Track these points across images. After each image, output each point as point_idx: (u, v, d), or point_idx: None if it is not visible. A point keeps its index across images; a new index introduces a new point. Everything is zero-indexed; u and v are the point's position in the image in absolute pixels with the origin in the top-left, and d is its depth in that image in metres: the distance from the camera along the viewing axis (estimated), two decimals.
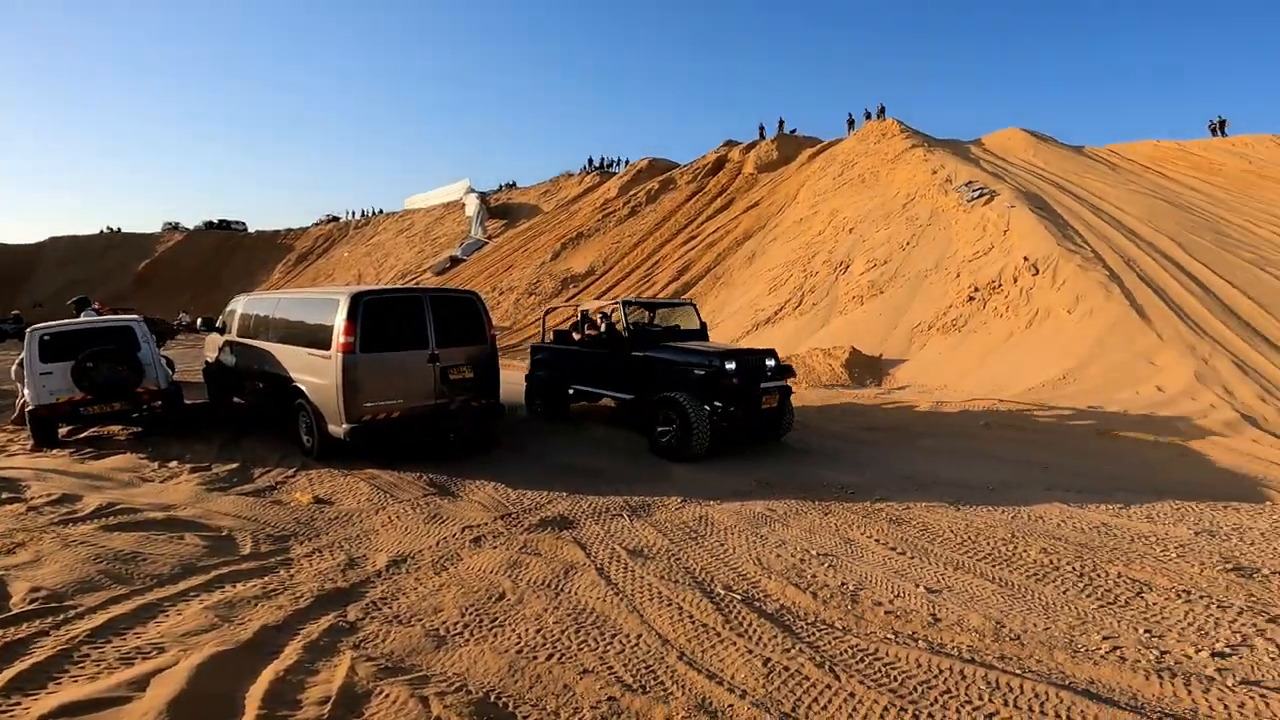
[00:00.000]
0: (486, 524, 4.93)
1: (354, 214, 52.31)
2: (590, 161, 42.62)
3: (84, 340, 7.58)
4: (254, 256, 48.17)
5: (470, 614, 3.51)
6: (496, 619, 3.47)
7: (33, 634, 3.22)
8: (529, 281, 25.02)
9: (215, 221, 53.99)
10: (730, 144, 34.61)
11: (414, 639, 3.23)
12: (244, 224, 54.69)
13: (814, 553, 4.39)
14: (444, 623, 3.41)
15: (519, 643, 3.23)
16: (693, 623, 3.41)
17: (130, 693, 2.70)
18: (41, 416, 7.36)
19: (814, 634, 3.32)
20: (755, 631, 3.33)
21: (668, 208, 29.52)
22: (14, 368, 9.20)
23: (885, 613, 3.53)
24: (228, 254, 49.04)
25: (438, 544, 4.53)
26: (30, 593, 3.65)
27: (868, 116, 29.94)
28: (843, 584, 3.91)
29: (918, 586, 3.86)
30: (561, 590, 3.82)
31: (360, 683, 2.82)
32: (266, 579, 3.91)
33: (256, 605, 3.55)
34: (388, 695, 2.75)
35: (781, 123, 34.20)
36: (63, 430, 7.82)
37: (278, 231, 52.42)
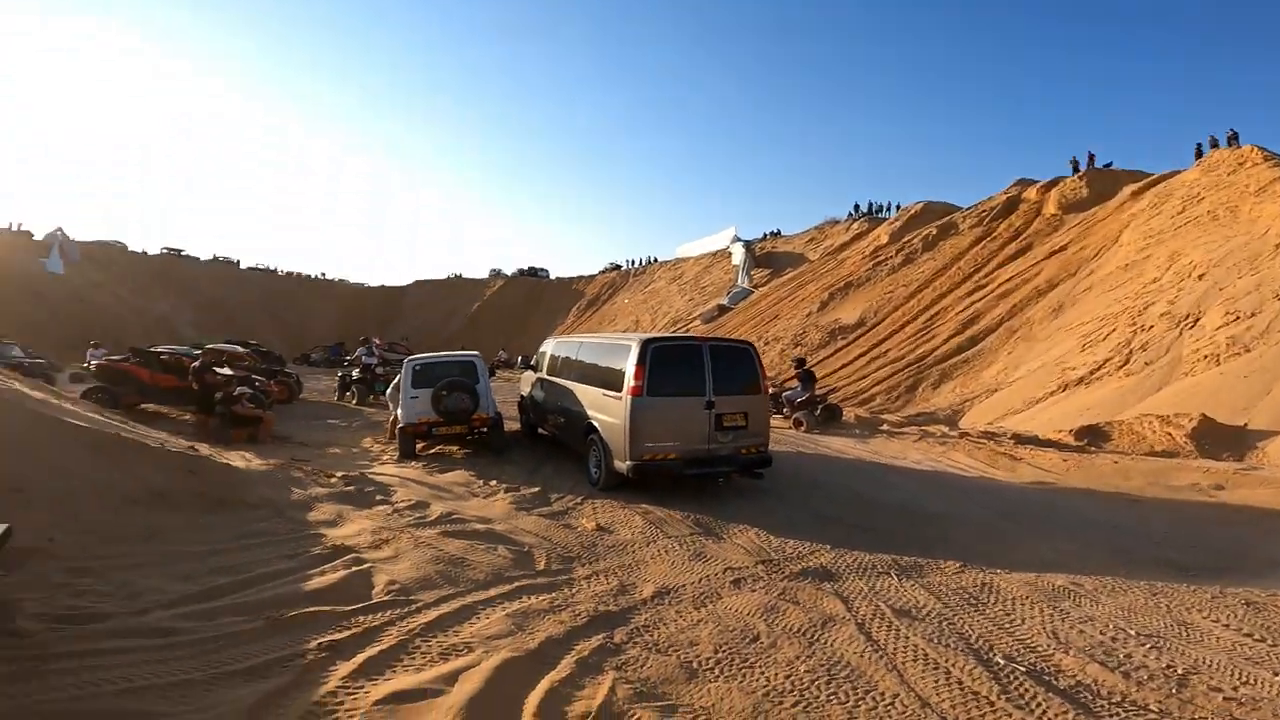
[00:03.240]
0: (747, 567, 4.97)
1: (633, 262, 56.90)
2: (856, 207, 41.14)
3: (444, 370, 9.41)
4: (554, 301, 55.12)
5: (723, 651, 3.57)
6: (748, 659, 3.49)
7: (383, 623, 3.71)
8: (795, 332, 24.72)
9: (526, 269, 63.32)
10: (1025, 182, 30.73)
11: (669, 668, 3.36)
12: (547, 271, 63.09)
13: (1132, 632, 3.75)
14: (698, 656, 3.51)
15: (767, 685, 3.22)
16: (961, 689, 3.18)
17: (443, 686, 3.03)
18: (407, 434, 9.18)
19: (1120, 714, 2.81)
20: (1040, 706, 2.93)
21: (948, 254, 27.06)
22: (389, 390, 11.78)
23: (1224, 699, 2.96)
24: (535, 299, 56.83)
25: (700, 581, 4.66)
26: (388, 585, 4.26)
27: (1214, 145, 24.31)
28: (1168, 666, 3.31)
29: (1276, 675, 3.15)
30: (816, 640, 3.74)
31: (617, 703, 3.00)
32: (553, 595, 4.30)
33: (544, 618, 3.91)
34: (638, 719, 2.89)
35: (1092, 157, 29.45)
36: (419, 446, 9.51)
37: (572, 278, 59.48)
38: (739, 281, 39.93)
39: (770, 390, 7.44)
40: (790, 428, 12.38)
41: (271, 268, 60.29)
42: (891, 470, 8.95)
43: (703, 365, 6.92)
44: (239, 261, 58.08)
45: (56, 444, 5.71)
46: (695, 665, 3.43)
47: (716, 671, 3.37)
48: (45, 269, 39.79)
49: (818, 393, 13.24)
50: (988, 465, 9.56)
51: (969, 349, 18.94)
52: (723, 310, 35.66)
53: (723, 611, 4.14)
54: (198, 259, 54.79)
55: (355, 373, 18.40)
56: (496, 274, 64.19)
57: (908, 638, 3.79)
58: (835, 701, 3.10)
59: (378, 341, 24.84)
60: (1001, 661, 3.47)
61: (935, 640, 3.76)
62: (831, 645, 3.70)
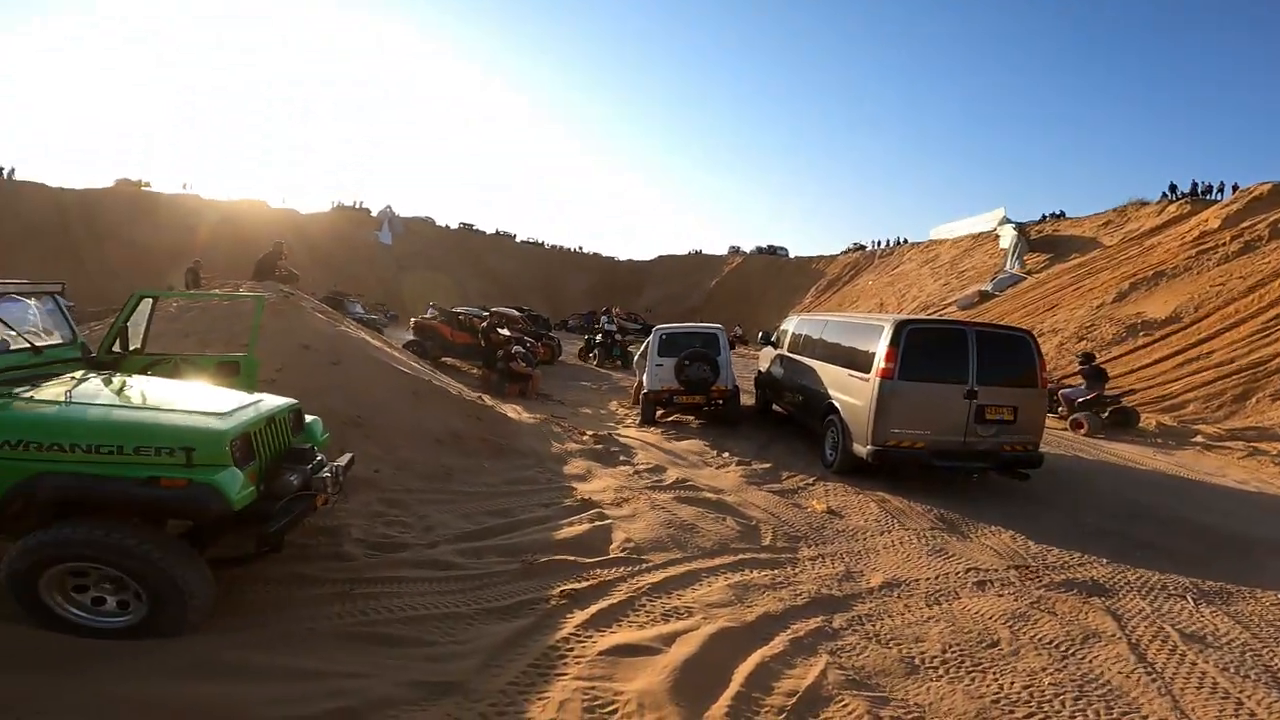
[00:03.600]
0: (996, 570, 4.57)
1: (879, 243, 53.36)
2: (1173, 188, 33.56)
3: (688, 341, 9.85)
4: (792, 280, 54.11)
5: (953, 652, 3.35)
6: (980, 664, 3.26)
7: (616, 579, 3.95)
8: (1080, 324, 21.18)
9: (764, 247, 62.87)
10: None
11: (887, 661, 3.23)
12: (786, 249, 61.89)
13: None
14: (922, 653, 3.33)
15: (998, 693, 2.99)
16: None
17: (661, 645, 3.17)
18: (650, 399, 9.79)
19: None
20: None
21: None
22: (636, 358, 12.66)
23: None
24: (772, 276, 56.31)
25: (936, 578, 4.39)
26: (624, 542, 4.53)
27: None
28: None
29: None
30: (1071, 655, 3.39)
31: (826, 687, 2.94)
32: (775, 572, 4.32)
33: (763, 593, 3.94)
34: (846, 706, 2.82)
35: None
36: (658, 413, 10.04)
37: (812, 258, 57.67)
38: (1007, 266, 35.42)
39: (1046, 386, 6.58)
40: (1066, 429, 10.83)
41: (540, 241, 67.76)
42: (1201, 487, 7.47)
43: (966, 352, 6.37)
44: (515, 235, 66.41)
45: (387, 386, 7.02)
46: (917, 661, 3.27)
47: (941, 671, 3.19)
48: (378, 240, 49.39)
49: (1107, 393, 11.38)
50: None
51: None
52: (985, 297, 31.97)
53: (959, 612, 3.87)
54: (484, 232, 63.57)
55: (599, 337, 20.81)
56: (735, 251, 64.54)
57: (1194, 664, 3.39)
58: (1080, 718, 2.84)
59: (617, 311, 27.49)
60: None
61: (1232, 670, 3.38)
62: (1090, 662, 3.35)
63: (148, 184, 43.06)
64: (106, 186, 40.58)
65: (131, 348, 4.45)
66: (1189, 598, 4.33)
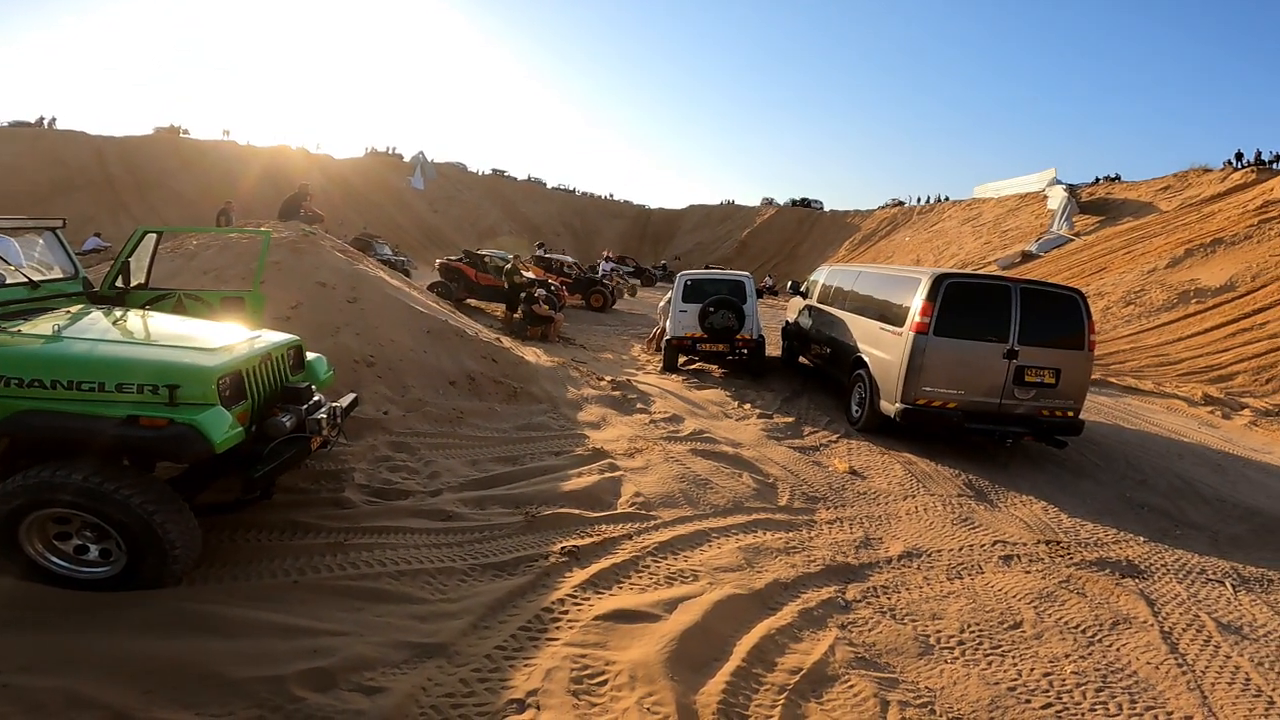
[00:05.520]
0: (1025, 544, 4.34)
1: (918, 199, 51.81)
2: (1239, 155, 31.57)
3: (714, 288, 9.55)
4: (825, 234, 52.95)
5: (971, 632, 3.17)
6: (1000, 646, 3.07)
7: (621, 535, 3.79)
8: (1129, 289, 20.23)
9: (799, 200, 61.25)
10: None
11: (900, 638, 3.06)
12: (821, 203, 60.21)
13: None
14: (938, 632, 3.15)
15: (1016, 679, 2.82)
16: None
17: (661, 612, 3.02)
18: (673, 346, 9.59)
19: None
20: None
21: None
22: (661, 304, 12.38)
23: None
24: (806, 229, 55.20)
25: (960, 549, 4.18)
26: (634, 496, 4.37)
27: None
28: None
29: None
30: (1098, 641, 3.20)
31: (833, 665, 2.79)
32: (790, 535, 4.14)
33: (775, 558, 3.77)
34: (852, 686, 2.66)
35: None
36: (681, 360, 9.91)
37: (847, 212, 56.19)
38: (1054, 228, 33.93)
39: (1094, 348, 6.18)
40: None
41: (571, 188, 66.85)
42: (1248, 465, 7.04)
43: (1009, 309, 5.99)
44: (545, 182, 65.57)
45: (402, 325, 6.89)
46: (932, 640, 3.08)
47: (956, 653, 3.00)
48: (411, 185, 49.23)
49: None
50: None
51: None
52: (1027, 257, 30.78)
53: (981, 588, 3.67)
54: (515, 178, 62.88)
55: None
56: (768, 202, 63.27)
57: (1229, 657, 3.24)
58: (1100, 712, 2.68)
59: (608, 254, 29.17)
60: None
61: (1267, 665, 3.18)
62: (1117, 650, 3.15)
63: (186, 131, 43.19)
64: (146, 134, 40.71)
65: (134, 283, 4.34)
66: (1228, 584, 4.08)
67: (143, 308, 4.09)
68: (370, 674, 2.37)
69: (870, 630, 3.14)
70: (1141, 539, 4.66)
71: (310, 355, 3.87)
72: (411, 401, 5.72)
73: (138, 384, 2.69)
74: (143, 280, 4.44)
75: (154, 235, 4.60)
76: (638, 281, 29.67)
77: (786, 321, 10.84)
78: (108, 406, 2.66)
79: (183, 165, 37.79)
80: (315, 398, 3.51)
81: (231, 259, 7.57)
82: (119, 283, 4.23)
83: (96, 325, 3.35)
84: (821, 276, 9.47)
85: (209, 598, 2.74)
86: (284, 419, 3.13)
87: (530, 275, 15.22)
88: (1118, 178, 38.33)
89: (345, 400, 3.82)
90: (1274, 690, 2.96)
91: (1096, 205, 34.47)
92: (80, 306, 3.65)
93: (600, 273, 22.49)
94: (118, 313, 3.70)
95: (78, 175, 34.22)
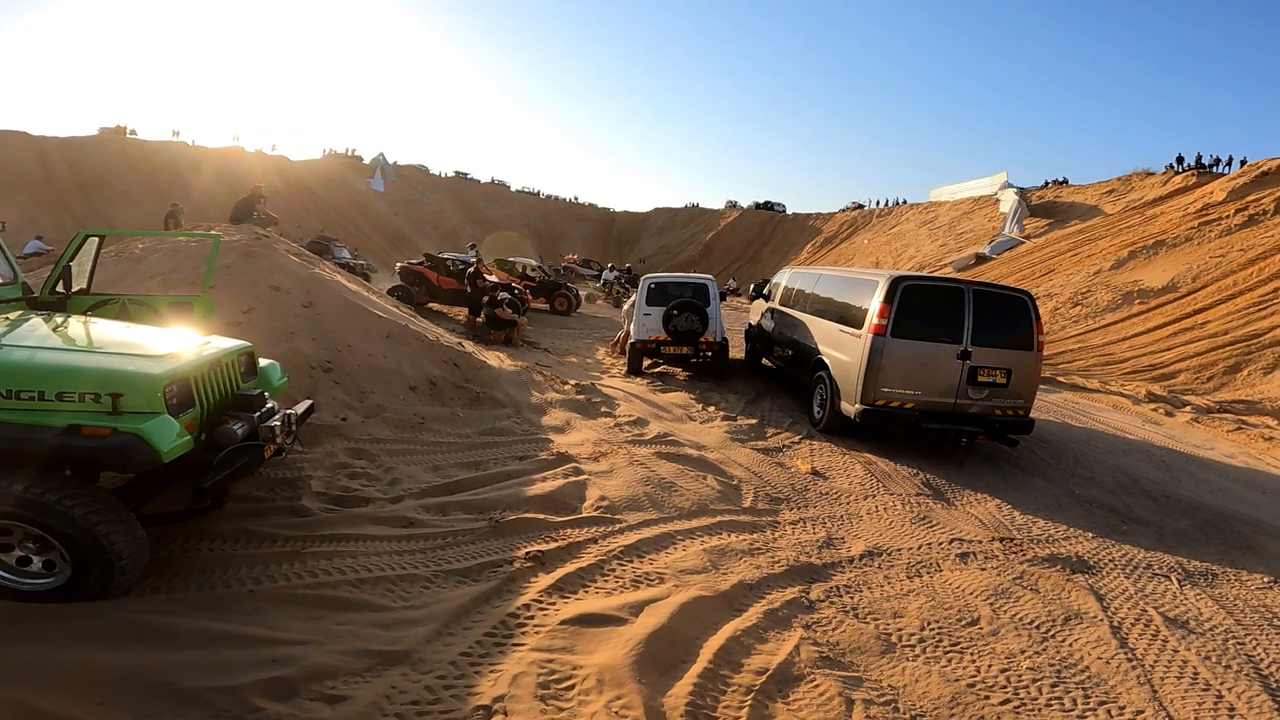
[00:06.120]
0: (980, 542, 4.46)
1: (878, 202, 52.88)
2: (1180, 159, 33.15)
3: (677, 290, 9.59)
4: (788, 236, 53.68)
5: (931, 630, 3.24)
6: (959, 644, 3.14)
7: (587, 540, 3.79)
8: (1076, 290, 21.02)
9: (762, 203, 61.98)
10: None
11: (863, 637, 3.12)
12: (783, 205, 60.98)
13: None
14: (900, 630, 3.22)
15: (975, 676, 2.89)
16: (1230, 715, 2.83)
17: (628, 615, 3.02)
18: (637, 350, 9.58)
19: None
20: None
21: None
22: (625, 306, 12.39)
23: None
24: (770, 232, 55.88)
25: (919, 548, 4.27)
26: (598, 500, 4.36)
27: None
28: None
29: None
30: (1051, 637, 3.30)
31: (799, 665, 2.83)
32: (755, 536, 4.17)
33: (740, 559, 3.79)
34: (817, 686, 2.70)
35: None
36: (645, 363, 9.90)
37: (809, 215, 57.04)
38: (1005, 230, 35.11)
39: (1042, 349, 6.39)
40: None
41: (536, 190, 66.43)
42: (1190, 461, 7.36)
43: (962, 311, 6.16)
44: (510, 184, 65.04)
45: (361, 331, 6.74)
46: (894, 639, 3.14)
47: (918, 650, 3.06)
48: (371, 187, 48.29)
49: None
50: None
51: None
52: (981, 259, 31.78)
53: (940, 586, 3.75)
54: (478, 181, 62.21)
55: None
56: (732, 205, 63.82)
57: (1176, 651, 3.32)
58: (1056, 707, 2.74)
59: (572, 257, 30.73)
60: None
61: (1214, 660, 3.28)
62: (1070, 645, 3.24)
63: (133, 131, 41.58)
64: (90, 135, 39.06)
65: (75, 288, 4.17)
66: (1174, 578, 4.23)
67: (85, 314, 3.92)
68: (332, 682, 2.32)
69: (834, 630, 3.17)
70: (1090, 535, 4.81)
71: (263, 361, 3.78)
72: (371, 407, 5.60)
73: (79, 392, 2.59)
74: (85, 285, 4.26)
75: (96, 239, 4.42)
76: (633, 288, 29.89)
77: (750, 324, 10.95)
78: (48, 416, 2.55)
79: (129, 166, 36.41)
80: (268, 404, 3.42)
81: (179, 263, 7.32)
82: (60, 288, 4.06)
83: (36, 332, 3.20)
84: (783, 279, 9.60)
85: (160, 608, 2.65)
86: (235, 427, 3.04)
87: (493, 279, 15.07)
88: (1065, 181, 39.81)
89: (301, 407, 3.72)
90: (1221, 684, 3.06)
91: (1046, 208, 35.74)
92: (19, 313, 3.49)
93: (603, 281, 21.62)
94: (59, 319, 3.54)
95: (18, 176, 32.63)
